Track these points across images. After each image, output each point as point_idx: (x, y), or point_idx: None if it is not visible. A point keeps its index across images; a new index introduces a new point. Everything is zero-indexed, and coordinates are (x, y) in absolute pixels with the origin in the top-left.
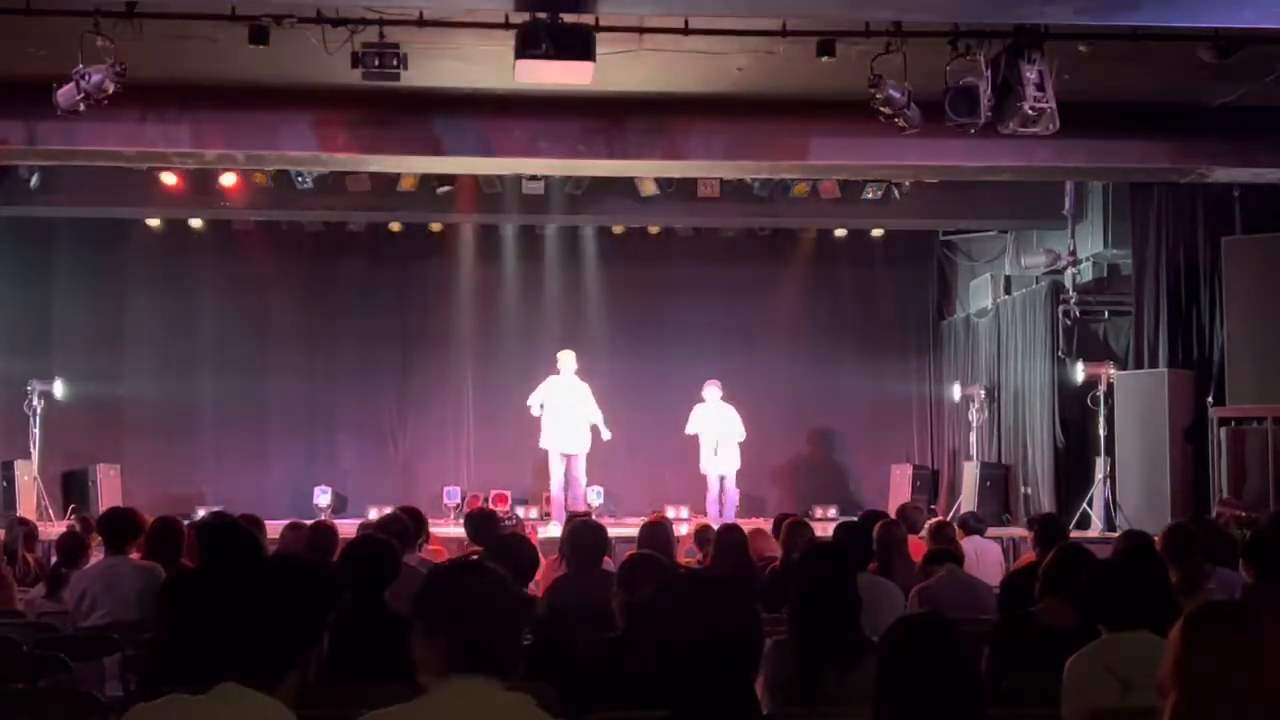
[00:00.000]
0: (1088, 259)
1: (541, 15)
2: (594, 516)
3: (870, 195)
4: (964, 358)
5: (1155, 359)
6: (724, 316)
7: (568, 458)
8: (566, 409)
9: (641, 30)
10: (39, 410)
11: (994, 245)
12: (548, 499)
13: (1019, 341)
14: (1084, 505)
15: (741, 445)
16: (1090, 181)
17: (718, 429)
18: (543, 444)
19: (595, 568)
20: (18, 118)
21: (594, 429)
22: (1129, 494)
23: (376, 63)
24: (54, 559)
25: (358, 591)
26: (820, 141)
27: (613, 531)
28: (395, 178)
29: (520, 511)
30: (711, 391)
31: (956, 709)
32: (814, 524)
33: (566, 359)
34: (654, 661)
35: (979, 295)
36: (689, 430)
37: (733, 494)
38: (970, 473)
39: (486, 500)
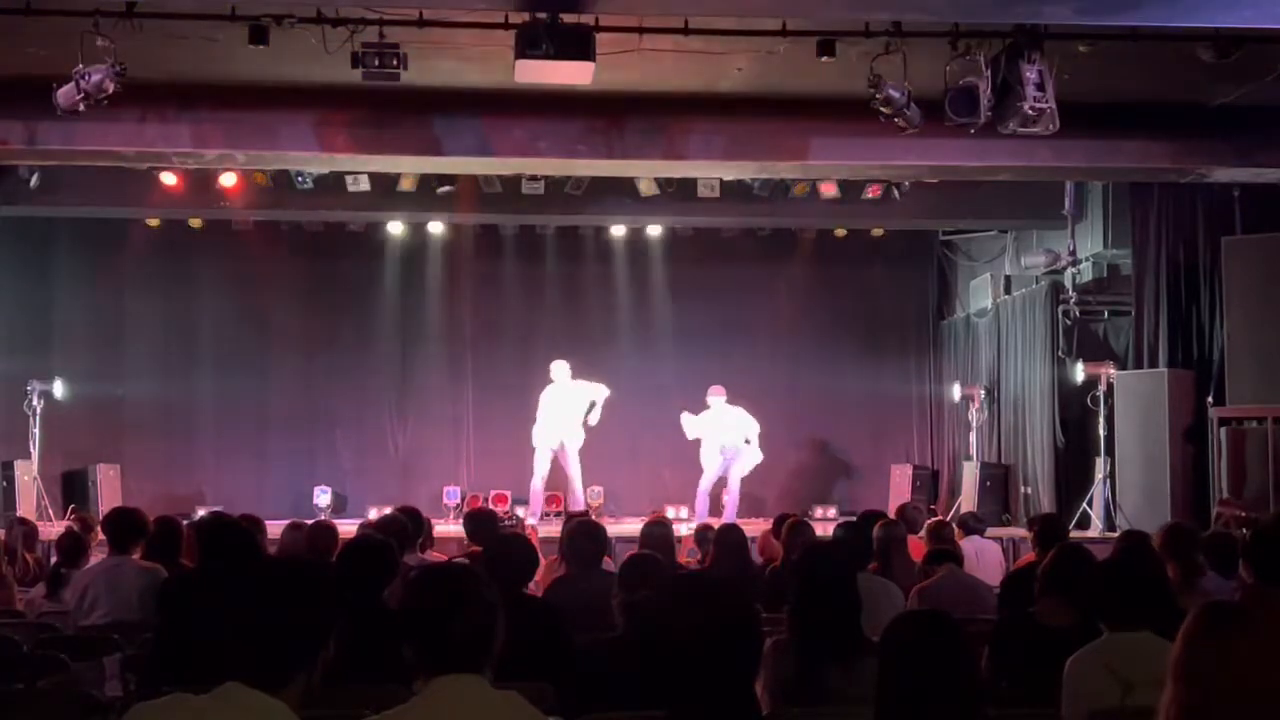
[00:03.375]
0: (1088, 259)
1: (541, 15)
2: (594, 516)
3: (870, 195)
4: (964, 358)
5: (1155, 359)
6: (724, 316)
7: (556, 452)
8: (558, 410)
9: (641, 30)
10: (39, 410)
11: (994, 245)
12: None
13: (1019, 341)
14: (1084, 505)
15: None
16: (1090, 181)
17: (721, 434)
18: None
19: (595, 568)
20: (18, 118)
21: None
22: (1129, 494)
23: (376, 63)
24: (54, 559)
25: (356, 592)
26: (820, 141)
27: (613, 531)
28: (395, 178)
29: (520, 511)
30: (715, 399)
31: (956, 706)
32: (814, 524)
33: (559, 368)
34: (654, 661)
35: (979, 295)
36: (689, 435)
37: (735, 496)
38: (970, 473)
39: (486, 500)
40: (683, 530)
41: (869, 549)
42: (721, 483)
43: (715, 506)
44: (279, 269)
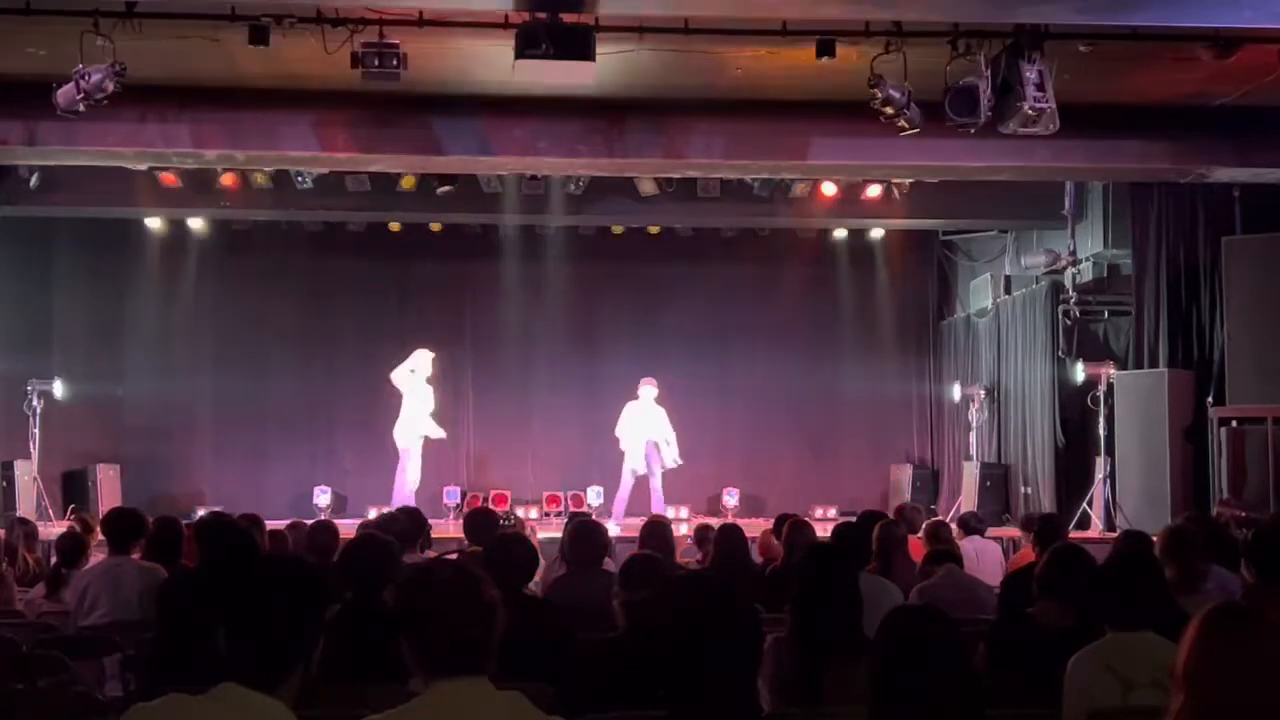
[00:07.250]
0: (1088, 259)
1: (541, 15)
2: (594, 517)
3: (870, 195)
4: (964, 358)
5: (1155, 359)
6: (724, 316)
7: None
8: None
9: (641, 30)
10: (39, 410)
11: (994, 245)
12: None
13: (1019, 341)
14: (1084, 505)
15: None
16: (1090, 181)
17: (649, 427)
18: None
19: (595, 568)
20: (18, 118)
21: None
22: (1129, 494)
23: (376, 63)
24: (54, 559)
25: (356, 592)
26: (820, 141)
27: (613, 531)
28: (395, 178)
29: (520, 512)
30: (648, 390)
31: (950, 702)
32: (814, 524)
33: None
34: (654, 661)
35: (979, 295)
36: (618, 432)
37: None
38: (970, 473)
39: (486, 500)
40: (683, 530)
41: (868, 549)
42: (644, 480)
43: (640, 503)
44: (279, 269)
